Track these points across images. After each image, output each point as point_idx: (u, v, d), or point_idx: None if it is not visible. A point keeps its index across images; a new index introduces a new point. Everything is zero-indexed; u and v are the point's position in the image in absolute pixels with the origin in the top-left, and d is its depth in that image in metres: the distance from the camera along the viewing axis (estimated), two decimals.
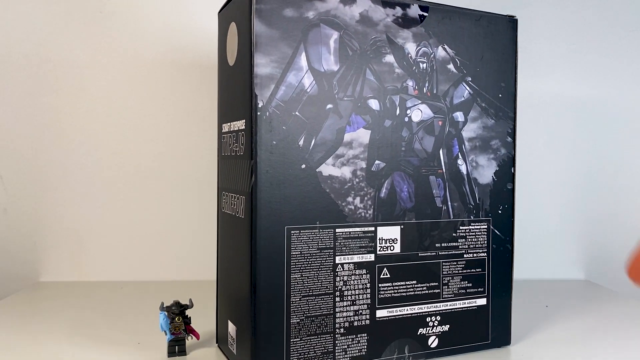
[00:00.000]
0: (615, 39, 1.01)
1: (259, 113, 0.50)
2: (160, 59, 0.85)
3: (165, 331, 0.58)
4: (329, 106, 0.53)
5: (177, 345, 0.58)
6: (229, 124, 0.57)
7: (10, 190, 0.80)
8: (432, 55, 0.57)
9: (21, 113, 0.80)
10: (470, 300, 0.61)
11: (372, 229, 0.55)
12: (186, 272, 0.82)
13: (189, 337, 0.60)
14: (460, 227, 0.60)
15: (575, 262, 1.02)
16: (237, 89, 0.54)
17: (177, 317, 0.58)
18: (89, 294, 0.77)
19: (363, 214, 0.55)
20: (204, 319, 0.59)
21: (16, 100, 0.80)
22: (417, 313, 0.58)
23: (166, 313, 0.58)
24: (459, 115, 0.59)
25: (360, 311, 0.55)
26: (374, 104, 0.55)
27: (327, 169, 0.53)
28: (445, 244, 0.59)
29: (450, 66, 0.58)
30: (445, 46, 0.58)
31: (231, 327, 0.57)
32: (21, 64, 0.80)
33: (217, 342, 0.63)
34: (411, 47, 0.56)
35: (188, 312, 0.60)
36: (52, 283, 0.82)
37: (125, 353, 0.58)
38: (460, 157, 0.60)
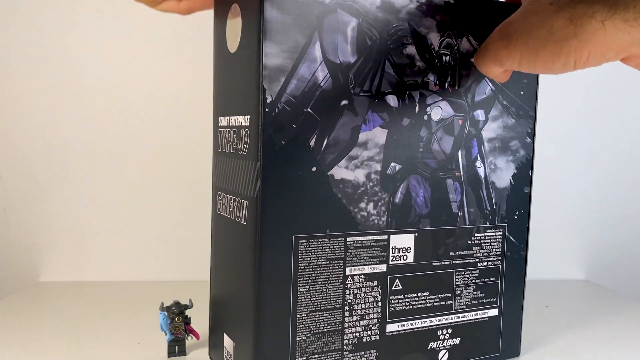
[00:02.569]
0: None
1: (267, 109, 0.44)
2: (159, 55, 0.81)
3: (165, 331, 0.56)
4: (344, 102, 0.47)
5: (177, 346, 0.57)
6: (227, 117, 0.51)
7: (10, 190, 0.77)
8: (456, 47, 0.52)
9: (21, 113, 0.76)
10: (483, 311, 0.57)
11: (385, 237, 0.51)
12: (186, 272, 0.80)
13: (189, 337, 0.58)
14: (476, 234, 0.56)
15: (575, 262, 1.01)
16: (239, 80, 0.48)
17: (177, 317, 0.56)
18: (89, 294, 0.76)
19: (376, 221, 0.50)
20: (203, 319, 0.57)
21: (16, 100, 0.76)
22: (428, 326, 0.54)
23: (166, 313, 0.56)
24: (480, 114, 0.55)
25: (370, 326, 0.51)
26: (392, 100, 0.50)
27: (340, 171, 0.48)
28: (459, 253, 0.55)
29: (474, 60, 0.53)
30: (470, 37, 0.53)
31: (227, 342, 0.52)
32: (21, 64, 0.76)
33: (209, 354, 0.58)
34: (434, 38, 0.51)
35: (188, 312, 0.58)
36: (52, 283, 0.81)
37: (125, 353, 0.57)
38: (479, 159, 0.55)
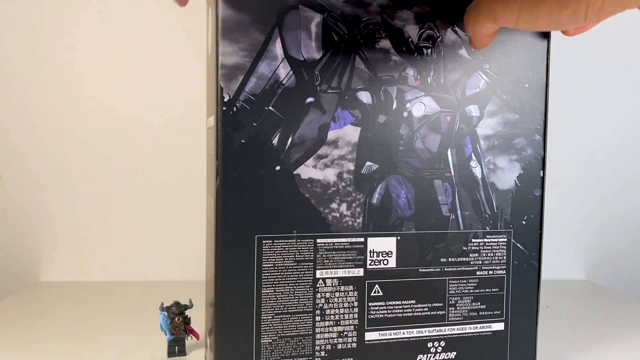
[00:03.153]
0: None
1: (224, 108, 0.44)
2: (159, 58, 0.83)
3: (165, 331, 0.57)
4: (310, 100, 0.46)
5: (177, 346, 0.57)
6: (209, 119, 0.52)
7: (10, 190, 0.80)
8: (439, 39, 0.49)
9: (21, 113, 0.80)
10: (484, 325, 0.52)
11: (362, 239, 0.48)
12: (186, 272, 0.80)
13: (189, 338, 0.58)
14: (473, 240, 0.52)
15: (575, 262, 0.96)
16: (210, 81, 0.49)
17: (177, 317, 0.57)
18: (89, 294, 0.76)
19: (350, 223, 0.48)
20: (203, 319, 0.58)
21: (16, 100, 0.80)
22: (415, 337, 0.50)
23: (166, 313, 0.57)
24: (473, 109, 0.51)
25: (346, 333, 0.49)
26: (364, 96, 0.48)
27: (307, 171, 0.46)
28: (452, 259, 0.51)
29: (462, 51, 0.50)
30: (457, 28, 0.49)
31: (209, 342, 0.52)
32: (21, 64, 0.80)
33: (205, 356, 0.58)
34: (412, 30, 0.48)
35: (188, 313, 0.59)
36: (51, 283, 0.81)
37: (125, 353, 0.57)
38: (473, 158, 0.51)
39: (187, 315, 0.58)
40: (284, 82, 0.45)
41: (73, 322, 0.65)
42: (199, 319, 0.60)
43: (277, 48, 0.45)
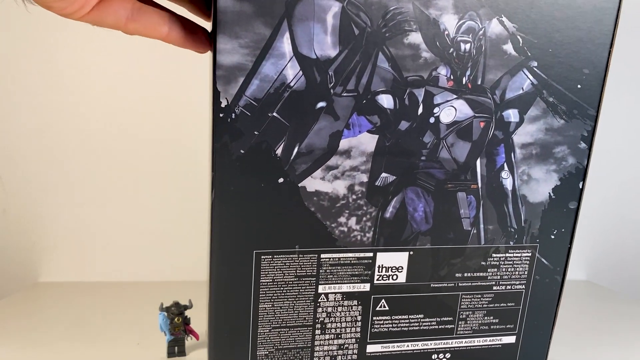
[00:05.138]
0: None
1: (221, 115, 0.39)
2: (161, 56, 0.75)
3: (164, 332, 0.56)
4: (321, 104, 0.40)
5: (176, 346, 0.56)
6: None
7: (9, 190, 0.77)
8: (481, 32, 0.41)
9: (21, 113, 0.75)
10: (494, 338, 0.50)
11: (370, 254, 0.44)
12: (186, 273, 0.77)
13: (189, 338, 0.57)
14: (493, 255, 0.47)
15: (575, 262, 0.92)
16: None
17: (177, 317, 0.55)
18: (88, 294, 0.74)
19: (359, 238, 0.44)
20: (203, 319, 0.56)
21: (16, 101, 0.74)
22: (420, 349, 0.48)
23: (165, 314, 0.55)
24: (512, 114, 0.44)
25: (346, 345, 0.46)
26: (386, 100, 0.41)
27: (314, 183, 0.41)
28: (468, 274, 0.47)
29: (508, 46, 0.42)
30: (504, 18, 0.41)
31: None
32: (21, 64, 0.74)
33: None
34: (450, 21, 0.40)
35: (187, 313, 0.57)
36: (51, 283, 0.79)
37: (125, 353, 0.56)
38: (506, 168, 0.45)
39: (186, 316, 0.57)
40: (292, 84, 0.39)
41: (73, 322, 0.64)
42: (199, 319, 0.57)
43: (285, 44, 0.38)
